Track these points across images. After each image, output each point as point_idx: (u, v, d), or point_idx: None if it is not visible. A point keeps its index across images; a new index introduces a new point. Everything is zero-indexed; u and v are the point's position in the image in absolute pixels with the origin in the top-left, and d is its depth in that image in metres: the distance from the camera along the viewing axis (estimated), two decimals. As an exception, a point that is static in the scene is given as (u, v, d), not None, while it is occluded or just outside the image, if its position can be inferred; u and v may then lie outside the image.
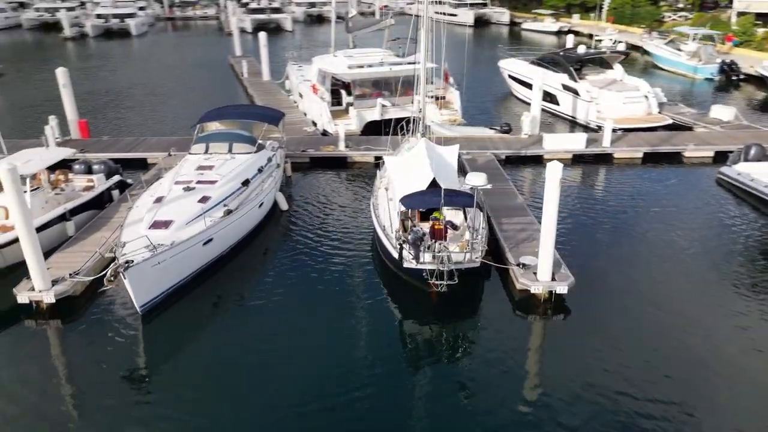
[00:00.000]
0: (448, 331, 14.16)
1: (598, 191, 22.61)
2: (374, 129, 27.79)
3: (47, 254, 16.08)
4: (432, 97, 30.23)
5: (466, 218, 16.47)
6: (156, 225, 15.31)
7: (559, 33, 65.29)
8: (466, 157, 24.42)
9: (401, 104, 29.74)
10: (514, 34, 71.98)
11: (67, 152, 19.67)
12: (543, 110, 33.61)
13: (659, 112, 30.31)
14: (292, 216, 20.16)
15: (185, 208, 15.99)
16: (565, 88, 31.76)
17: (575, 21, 70.79)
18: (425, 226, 15.18)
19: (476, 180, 14.90)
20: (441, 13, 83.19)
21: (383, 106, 29.26)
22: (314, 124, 29.60)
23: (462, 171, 20.31)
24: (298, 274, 16.30)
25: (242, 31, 73.15)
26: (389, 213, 16.31)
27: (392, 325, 14.55)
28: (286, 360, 12.84)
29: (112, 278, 12.98)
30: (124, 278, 13.27)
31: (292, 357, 12.96)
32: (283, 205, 20.19)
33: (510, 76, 37.52)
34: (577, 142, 25.58)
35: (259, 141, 20.92)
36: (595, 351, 13.13)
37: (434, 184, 15.96)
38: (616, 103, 29.78)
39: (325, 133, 28.43)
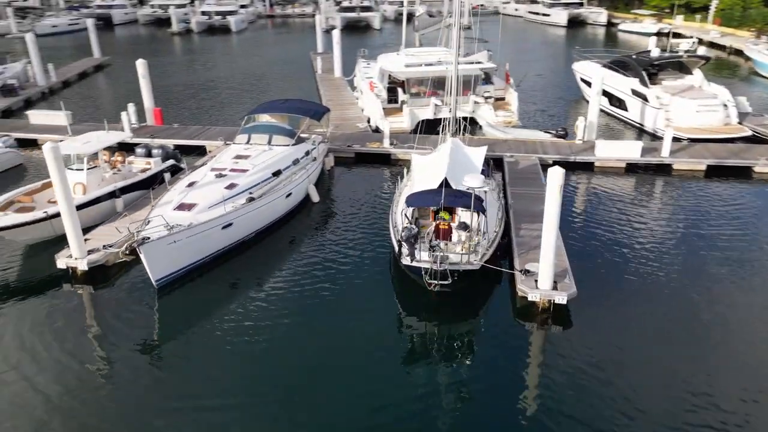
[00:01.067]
0: (443, 331, 14.25)
1: (648, 205, 21.25)
2: (430, 128, 27.93)
3: (95, 227, 17.99)
4: (488, 97, 29.94)
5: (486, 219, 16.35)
6: (181, 207, 16.61)
7: (659, 35, 61.36)
8: (509, 160, 24.01)
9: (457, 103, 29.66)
10: (609, 35, 68.58)
11: (123, 135, 21.65)
12: (611, 116, 32.27)
13: (739, 123, 27.94)
14: (323, 208, 20.90)
15: (211, 193, 17.17)
16: (635, 93, 30.09)
17: (678, 22, 66.14)
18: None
19: (472, 181, 14.79)
20: (533, 13, 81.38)
21: (437, 105, 29.30)
22: (369, 120, 30.23)
23: (488, 173, 20.11)
24: (318, 266, 16.87)
25: (332, 28, 75.85)
26: (401, 210, 16.57)
27: (389, 321, 14.71)
28: (284, 347, 13.44)
29: (127, 252, 14.33)
30: (140, 253, 14.59)
31: (292, 344, 13.55)
32: (315, 197, 20.97)
33: (582, 80, 36.05)
34: (631, 151, 24.27)
35: (299, 134, 21.84)
36: (586, 367, 12.74)
37: (446, 184, 15.98)
38: (688, 111, 27.82)
39: (377, 129, 28.95)
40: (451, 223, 15.77)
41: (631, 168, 24.31)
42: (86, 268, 15.85)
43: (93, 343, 13.63)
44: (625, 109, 31.02)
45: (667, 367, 12.79)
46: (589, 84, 35.02)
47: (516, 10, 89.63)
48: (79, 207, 18.09)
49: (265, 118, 23.79)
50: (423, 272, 14.25)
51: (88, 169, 19.11)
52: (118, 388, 12.19)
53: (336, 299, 15.33)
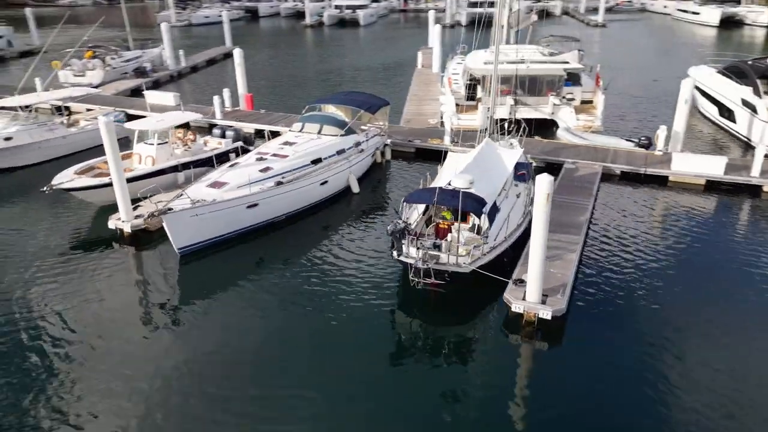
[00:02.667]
0: (428, 332, 14.13)
1: (720, 230, 18.81)
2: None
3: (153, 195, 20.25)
4: (571, 99, 28.45)
5: (490, 224, 15.94)
6: (213, 184, 18.17)
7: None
8: (569, 166, 22.72)
9: (534, 104, 28.59)
10: (770, 38, 60.72)
11: (194, 116, 23.88)
12: (720, 128, 29.01)
13: None
14: (361, 199, 21.47)
15: (244, 175, 18.53)
16: (745, 103, 26.69)
17: None
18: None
19: (458, 182, 14.42)
20: (682, 11, 74.23)
21: (513, 104, 28.39)
22: (442, 116, 30.12)
23: (527, 177, 19.36)
24: (340, 255, 17.40)
25: (457, 24, 75.50)
26: (414, 208, 16.66)
27: (378, 316, 14.66)
28: (285, 329, 14.04)
29: (148, 218, 16.11)
30: (163, 222, 16.31)
31: (293, 327, 14.15)
32: (355, 187, 21.60)
33: (696, 87, 32.59)
34: (713, 166, 21.73)
35: (350, 126, 22.58)
36: (558, 391, 12.05)
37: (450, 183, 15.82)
38: (799, 127, 24.19)
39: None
40: (453, 225, 15.54)
41: (713, 186, 21.78)
42: (130, 230, 18.00)
43: (121, 295, 15.49)
44: (734, 121, 27.65)
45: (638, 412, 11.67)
46: (702, 92, 31.70)
47: (665, 7, 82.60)
48: (146, 176, 20.59)
49: (330, 109, 24.87)
50: (409, 268, 14.32)
51: (159, 144, 21.47)
52: (127, 341, 13.70)
53: (339, 291, 15.63)
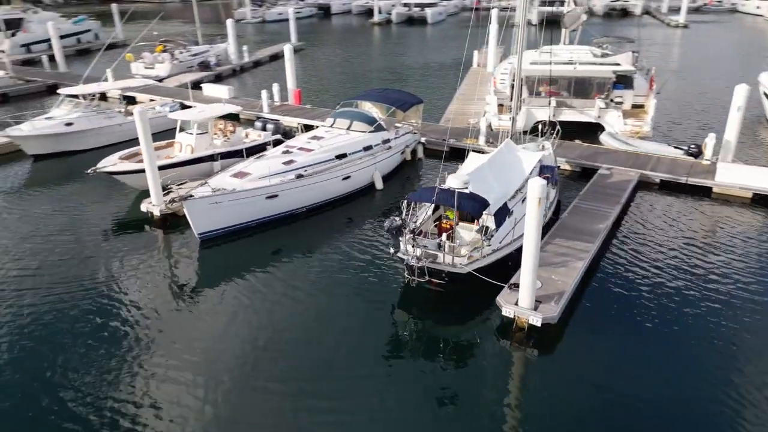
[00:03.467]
0: (420, 330, 14.16)
1: (757, 248, 17.60)
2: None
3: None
4: (619, 103, 27.36)
5: (497, 227, 15.76)
6: (237, 174, 19.00)
7: None
8: (603, 172, 21.91)
9: (580, 107, 27.71)
10: None
11: (233, 108, 24.88)
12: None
13: None
14: (385, 196, 21.70)
15: (266, 166, 19.23)
16: (813, 112, 24.65)
17: None
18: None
19: (453, 181, 14.29)
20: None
21: (556, 106, 27.65)
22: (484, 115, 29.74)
23: (552, 181, 18.90)
24: (355, 248, 17.74)
25: (528, 23, 73.73)
26: (424, 206, 16.72)
27: (379, 313, 14.78)
28: (293, 320, 14.39)
29: (170, 203, 17.10)
30: (184, 208, 17.27)
31: (300, 319, 14.47)
32: (379, 184, 21.85)
33: (765, 94, 30.40)
34: (761, 179, 20.27)
35: (380, 123, 22.84)
36: (538, 397, 11.89)
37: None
38: None
39: (490, 126, 28.40)
40: (456, 224, 15.49)
41: (761, 200, 20.32)
42: (159, 214, 19.15)
43: (143, 274, 16.56)
44: (801, 132, 25.58)
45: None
46: (771, 98, 29.55)
47: (757, 8, 76.99)
48: (182, 164, 21.78)
49: (366, 106, 25.22)
50: (404, 265, 14.45)
51: (198, 134, 22.63)
52: (140, 320, 14.72)
53: (344, 284, 15.96)
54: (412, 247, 14.33)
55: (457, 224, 15.64)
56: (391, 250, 14.75)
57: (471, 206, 14.55)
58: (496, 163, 17.39)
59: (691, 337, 13.52)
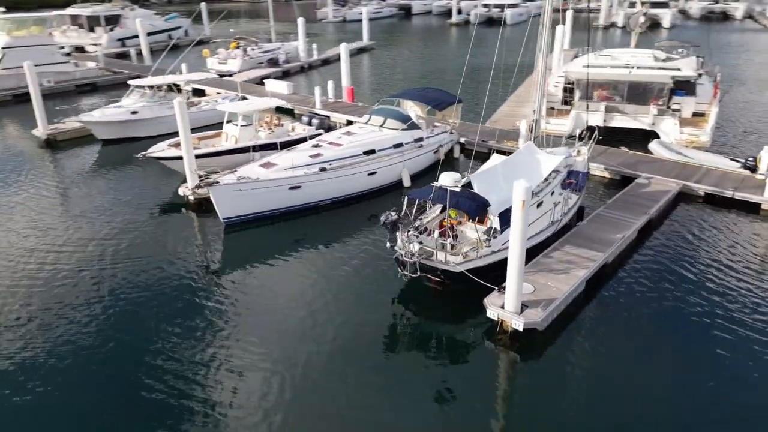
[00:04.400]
0: (411, 326, 14.33)
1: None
2: (606, 135, 25.88)
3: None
4: (675, 110, 25.99)
5: (502, 228, 15.65)
6: (264, 164, 19.97)
7: None
8: (641, 181, 20.94)
9: (632, 113, 26.55)
10: None
11: (278, 102, 25.92)
12: None
13: None
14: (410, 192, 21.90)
15: (293, 158, 20.06)
16: None
17: None
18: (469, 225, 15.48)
19: (444, 180, 14.28)
20: None
21: (607, 111, 26.63)
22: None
23: (577, 186, 18.46)
24: (369, 244, 18.07)
25: (611, 25, 70.73)
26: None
27: (376, 307, 14.98)
28: (303, 310, 14.88)
29: (196, 188, 18.30)
30: (210, 193, 18.43)
31: (310, 310, 15.08)
32: (406, 181, 22.10)
33: None
34: (816, 197, 18.59)
35: (414, 121, 23.09)
36: (514, 401, 11.87)
37: (468, 185, 15.78)
38: None
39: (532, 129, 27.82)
40: (465, 223, 15.52)
41: (815, 220, 18.68)
42: (192, 199, 20.50)
43: (173, 253, 17.82)
44: None
45: None
46: None
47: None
48: (227, 152, 23.14)
49: (408, 105, 25.53)
50: (393, 258, 14.72)
51: (242, 125, 23.92)
52: (158, 297, 15.80)
53: (348, 276, 16.39)
54: (405, 242, 14.51)
55: (459, 224, 15.65)
56: (388, 245, 15.02)
57: (468, 206, 14.53)
58: (510, 165, 17.17)
59: (692, 376, 12.77)
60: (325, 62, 49.27)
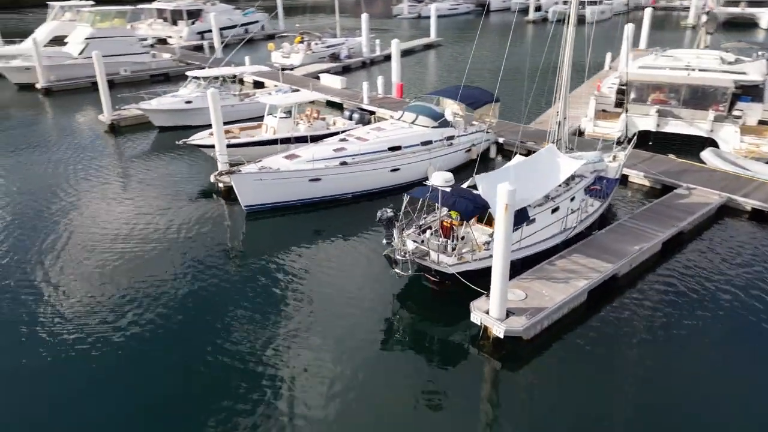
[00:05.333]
0: (403, 324, 14.32)
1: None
2: (661, 141, 24.72)
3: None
4: (737, 117, 24.08)
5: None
6: (289, 156, 20.46)
7: None
8: (680, 191, 19.61)
9: (689, 118, 24.85)
10: None
11: (315, 96, 26.35)
12: None
13: None
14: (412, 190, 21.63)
15: (315, 151, 20.42)
16: None
17: None
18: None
19: (435, 179, 13.97)
20: None
21: (660, 115, 25.06)
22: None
23: (601, 194, 17.63)
24: (374, 239, 18.03)
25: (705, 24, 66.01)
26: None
27: (372, 302, 15.07)
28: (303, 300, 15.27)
29: (219, 176, 19.06)
30: (231, 181, 19.15)
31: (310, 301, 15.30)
32: (432, 179, 21.88)
33: None
34: None
35: (445, 119, 22.79)
36: (488, 408, 11.59)
37: (474, 186, 15.49)
38: None
39: (579, 132, 26.71)
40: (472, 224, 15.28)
41: None
42: (223, 186, 21.36)
43: (196, 233, 18.76)
44: None
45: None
46: None
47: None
48: (264, 143, 23.93)
49: (448, 102, 25.24)
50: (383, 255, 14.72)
51: (281, 117, 24.61)
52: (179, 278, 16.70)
53: (353, 271, 16.53)
54: (395, 240, 14.43)
55: (461, 224, 15.35)
56: (384, 242, 14.99)
57: (465, 206, 14.23)
58: (526, 167, 16.60)
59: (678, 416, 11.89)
60: (388, 58, 49.29)
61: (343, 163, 20.13)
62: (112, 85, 39.19)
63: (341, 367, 12.59)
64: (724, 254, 16.77)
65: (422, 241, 14.87)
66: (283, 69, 43.44)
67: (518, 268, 15.07)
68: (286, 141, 23.95)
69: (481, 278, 14.01)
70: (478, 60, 49.98)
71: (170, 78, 43.01)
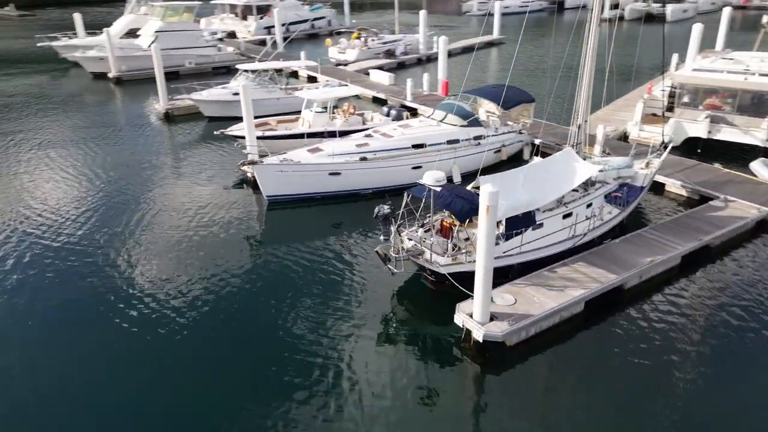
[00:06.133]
0: (391, 321, 14.26)
1: None
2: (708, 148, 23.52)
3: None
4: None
5: (507, 234, 14.94)
6: (312, 149, 20.87)
7: None
8: (717, 203, 18.39)
9: (743, 125, 23.20)
10: None
11: (353, 91, 26.61)
12: None
13: None
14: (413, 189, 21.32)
15: (336, 146, 20.72)
16: None
17: None
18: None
19: (426, 178, 13.80)
20: None
21: (712, 121, 23.51)
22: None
23: (622, 202, 16.92)
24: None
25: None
26: None
27: (371, 301, 15.03)
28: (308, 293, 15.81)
29: (241, 165, 19.75)
30: (254, 171, 19.80)
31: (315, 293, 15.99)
32: (457, 178, 21.58)
33: None
34: None
35: (476, 118, 22.45)
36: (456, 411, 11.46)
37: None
38: None
39: (624, 137, 25.52)
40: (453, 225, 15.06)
41: None
42: (251, 176, 22.10)
43: (223, 219, 19.62)
44: None
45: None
46: None
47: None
48: (294, 136, 24.56)
49: (485, 101, 24.83)
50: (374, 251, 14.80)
51: (317, 112, 25.13)
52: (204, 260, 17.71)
53: (360, 268, 16.62)
54: (391, 237, 14.45)
55: (462, 225, 15.15)
56: (381, 238, 15.05)
57: (460, 206, 14.02)
58: (538, 170, 16.11)
59: None
60: (449, 54, 48.95)
61: (363, 159, 20.31)
62: (177, 76, 41.56)
63: (323, 359, 12.79)
64: (751, 275, 15.56)
65: (420, 240, 14.80)
66: (338, 64, 44.29)
67: (516, 272, 14.73)
68: (317, 135, 24.45)
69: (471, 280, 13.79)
70: (537, 59, 48.79)
71: (231, 70, 44.72)
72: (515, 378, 12.24)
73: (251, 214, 20.18)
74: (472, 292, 12.87)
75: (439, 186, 14.34)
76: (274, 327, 13.91)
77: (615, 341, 13.11)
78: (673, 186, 20.34)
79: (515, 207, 14.84)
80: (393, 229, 14.62)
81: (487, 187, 11.76)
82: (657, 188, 20.79)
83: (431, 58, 47.72)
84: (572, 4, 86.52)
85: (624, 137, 25.67)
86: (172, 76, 40.79)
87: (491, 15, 79.88)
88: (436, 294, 14.92)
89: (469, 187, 15.59)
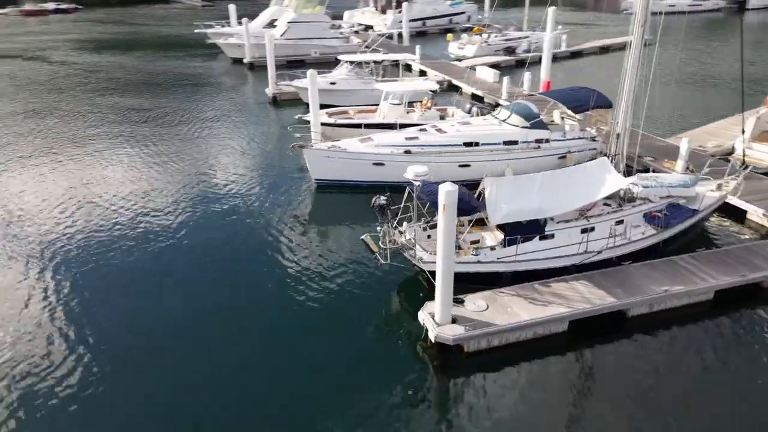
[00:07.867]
0: (386, 318, 14.31)
1: None
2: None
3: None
4: None
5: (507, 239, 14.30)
6: (364, 139, 21.35)
7: None
8: (755, 217, 15.71)
9: None
10: None
11: (431, 86, 26.35)
12: None
13: None
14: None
15: (388, 138, 20.97)
16: None
17: None
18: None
19: (409, 173, 13.46)
20: None
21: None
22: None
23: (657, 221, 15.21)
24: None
25: None
26: None
27: (366, 296, 15.14)
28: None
29: (292, 147, 20.89)
30: (302, 154, 20.85)
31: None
32: (505, 179, 20.69)
33: None
34: None
35: (541, 120, 21.26)
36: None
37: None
38: None
39: (727, 154, 22.36)
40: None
41: None
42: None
43: (273, 198, 20.93)
44: None
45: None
46: None
47: None
48: (372, 125, 25.25)
49: (561, 105, 23.36)
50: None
51: (392, 104, 25.56)
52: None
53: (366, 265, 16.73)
54: (383, 228, 14.45)
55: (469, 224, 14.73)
56: (378, 229, 15.10)
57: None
58: (561, 177, 15.02)
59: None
60: (575, 55, 46.36)
61: (407, 152, 20.32)
62: (303, 64, 44.44)
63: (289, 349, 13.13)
64: None
65: (416, 235, 14.61)
66: (457, 60, 43.98)
67: (508, 280, 13.96)
68: (388, 126, 24.79)
69: (459, 282, 13.32)
70: (681, 65, 43.80)
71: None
72: (461, 385, 11.72)
73: (302, 196, 21.25)
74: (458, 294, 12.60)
75: (419, 181, 14.06)
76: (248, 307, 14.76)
77: (591, 373, 11.94)
78: (755, 214, 17.51)
79: (521, 213, 14.08)
80: (387, 220, 14.63)
81: (445, 186, 11.39)
82: (738, 215, 18.04)
83: (556, 57, 45.27)
84: (756, 5, 76.20)
85: (729, 154, 22.46)
86: (298, 63, 43.85)
87: (653, 14, 73.45)
88: (432, 291, 14.58)
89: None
